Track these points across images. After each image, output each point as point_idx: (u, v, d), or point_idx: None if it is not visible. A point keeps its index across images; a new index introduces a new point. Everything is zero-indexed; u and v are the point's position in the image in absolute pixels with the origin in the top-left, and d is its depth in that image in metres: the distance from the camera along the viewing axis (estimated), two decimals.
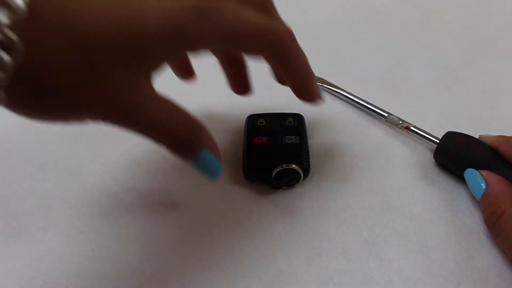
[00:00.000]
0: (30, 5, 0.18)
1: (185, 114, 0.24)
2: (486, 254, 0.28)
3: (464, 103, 0.37)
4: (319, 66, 0.39)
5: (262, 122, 0.34)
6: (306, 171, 0.31)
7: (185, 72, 0.34)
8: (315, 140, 0.35)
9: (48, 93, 0.19)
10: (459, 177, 0.32)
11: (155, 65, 0.23)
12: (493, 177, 0.28)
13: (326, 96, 0.38)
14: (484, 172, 0.29)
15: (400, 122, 0.34)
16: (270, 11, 0.26)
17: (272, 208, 0.30)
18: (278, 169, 0.30)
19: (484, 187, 0.28)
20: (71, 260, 0.28)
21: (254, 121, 0.34)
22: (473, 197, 0.30)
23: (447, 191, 0.31)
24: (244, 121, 0.35)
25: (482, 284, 0.27)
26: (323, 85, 0.38)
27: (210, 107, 0.38)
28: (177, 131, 0.23)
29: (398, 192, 0.31)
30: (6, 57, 0.17)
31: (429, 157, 0.34)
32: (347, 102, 0.37)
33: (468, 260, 0.28)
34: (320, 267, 0.27)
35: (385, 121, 0.34)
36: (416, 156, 0.34)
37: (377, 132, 0.35)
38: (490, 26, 0.44)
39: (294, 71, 0.27)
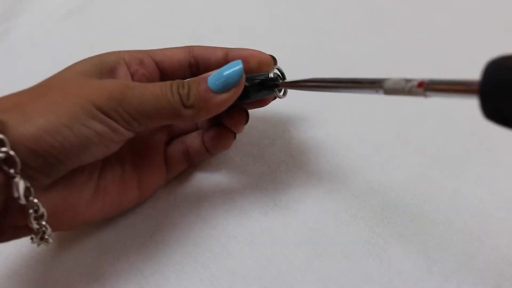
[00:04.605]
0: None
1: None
2: (486, 254, 0.28)
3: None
4: (320, 66, 0.39)
5: None
6: None
7: None
8: (315, 140, 0.35)
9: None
10: None
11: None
12: None
13: (325, 94, 0.38)
14: None
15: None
16: None
17: (272, 208, 0.30)
18: None
19: None
20: (71, 259, 0.28)
21: None
22: (473, 197, 0.30)
23: (447, 191, 0.31)
24: None
25: (483, 284, 0.27)
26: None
27: None
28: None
29: (398, 192, 0.31)
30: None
31: None
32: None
33: (468, 260, 0.28)
34: (320, 267, 0.27)
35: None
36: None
37: (377, 131, 0.35)
38: (491, 25, 0.44)
39: None
